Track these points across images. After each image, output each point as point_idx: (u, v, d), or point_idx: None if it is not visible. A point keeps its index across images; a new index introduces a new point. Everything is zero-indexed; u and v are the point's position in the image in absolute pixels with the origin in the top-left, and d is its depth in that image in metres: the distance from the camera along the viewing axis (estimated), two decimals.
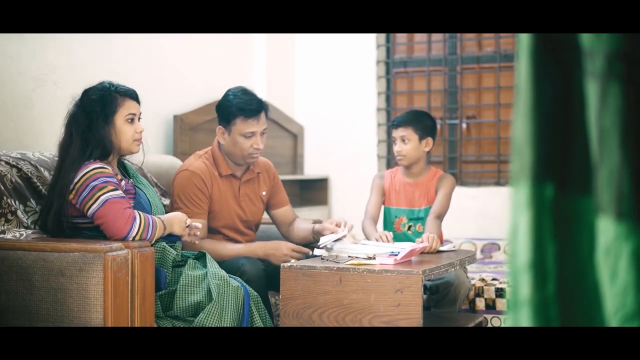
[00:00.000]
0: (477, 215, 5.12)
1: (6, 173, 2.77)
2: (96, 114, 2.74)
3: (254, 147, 3.29)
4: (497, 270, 4.25)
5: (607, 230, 0.87)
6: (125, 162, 3.01)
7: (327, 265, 2.80)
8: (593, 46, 0.88)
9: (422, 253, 3.12)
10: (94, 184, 2.65)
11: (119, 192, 2.68)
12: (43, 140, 3.55)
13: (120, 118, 2.78)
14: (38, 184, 2.87)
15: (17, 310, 2.45)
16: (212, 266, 2.88)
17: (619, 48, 0.86)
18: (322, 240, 3.14)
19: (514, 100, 0.96)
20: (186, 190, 3.26)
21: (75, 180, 2.66)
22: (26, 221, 2.75)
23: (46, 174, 2.93)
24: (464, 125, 5.43)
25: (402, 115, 3.59)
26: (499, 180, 5.25)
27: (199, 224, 2.95)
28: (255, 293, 2.92)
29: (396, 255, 2.87)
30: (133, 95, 2.85)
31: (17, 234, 2.62)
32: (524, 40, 0.94)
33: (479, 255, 4.67)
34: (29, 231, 2.67)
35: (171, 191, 3.36)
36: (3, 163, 2.79)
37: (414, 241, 3.39)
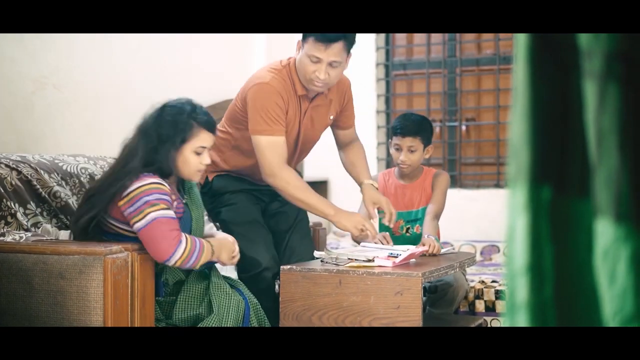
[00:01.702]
0: (476, 218, 5.13)
1: (6, 176, 2.77)
2: (167, 137, 2.66)
3: (317, 74, 3.02)
4: (497, 272, 4.25)
5: (605, 233, 0.87)
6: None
7: (326, 267, 2.80)
8: (591, 46, 0.87)
9: (422, 255, 3.12)
10: (147, 198, 2.57)
11: (170, 212, 2.60)
12: (43, 143, 3.55)
13: (189, 148, 2.70)
14: (38, 186, 2.87)
15: (17, 312, 2.45)
16: (215, 276, 2.82)
17: (618, 48, 0.85)
18: (364, 244, 3.21)
19: (512, 102, 0.96)
20: (266, 106, 3.04)
21: (130, 189, 2.58)
22: (26, 224, 2.75)
23: (46, 176, 2.93)
24: (464, 128, 5.43)
25: (408, 123, 3.51)
26: (499, 182, 5.26)
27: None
28: (256, 301, 2.87)
29: (395, 257, 2.87)
30: (210, 127, 2.75)
31: (17, 237, 2.62)
32: (521, 40, 0.93)
33: (478, 258, 4.67)
34: (29, 234, 2.67)
35: (243, 104, 3.15)
36: (3, 166, 2.79)
37: (412, 242, 3.39)
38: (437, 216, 3.54)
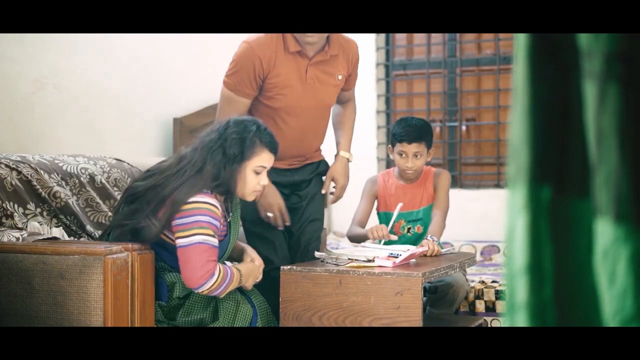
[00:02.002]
0: (476, 218, 5.13)
1: (6, 176, 2.77)
2: (233, 154, 2.67)
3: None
4: (497, 272, 4.25)
5: (605, 233, 0.86)
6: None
7: (326, 267, 2.80)
8: (591, 46, 0.87)
9: (422, 256, 3.12)
10: (199, 218, 2.59)
11: (214, 240, 2.61)
12: (43, 143, 3.55)
13: (250, 166, 2.72)
14: (38, 186, 2.87)
15: (18, 312, 2.45)
16: None
17: (618, 48, 0.85)
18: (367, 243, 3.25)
19: (512, 102, 0.96)
20: (241, 65, 3.04)
21: (189, 200, 2.60)
22: (22, 224, 2.74)
23: (46, 176, 2.93)
24: (464, 128, 5.43)
25: (411, 130, 3.48)
26: (499, 182, 5.26)
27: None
28: (266, 306, 2.88)
29: (396, 257, 2.87)
30: (272, 148, 2.78)
31: (13, 238, 2.62)
32: (521, 40, 0.93)
33: (478, 258, 4.67)
34: (25, 233, 2.67)
35: None
36: (3, 166, 2.79)
37: (414, 243, 3.39)
38: (443, 218, 3.54)
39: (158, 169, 2.75)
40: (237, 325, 2.71)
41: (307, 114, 3.20)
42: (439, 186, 3.60)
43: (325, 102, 3.26)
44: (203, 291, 2.59)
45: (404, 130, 3.49)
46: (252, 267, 2.82)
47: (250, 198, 2.82)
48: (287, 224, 3.20)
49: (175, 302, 2.71)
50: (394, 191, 3.62)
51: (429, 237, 3.36)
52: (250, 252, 2.93)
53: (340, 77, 3.25)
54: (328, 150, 3.58)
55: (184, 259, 2.56)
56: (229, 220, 2.84)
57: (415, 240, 3.50)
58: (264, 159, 2.74)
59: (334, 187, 3.37)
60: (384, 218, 3.61)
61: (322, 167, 3.42)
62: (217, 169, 2.65)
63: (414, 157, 3.48)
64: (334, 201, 3.36)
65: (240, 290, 2.82)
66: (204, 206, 2.60)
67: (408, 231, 3.59)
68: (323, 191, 3.34)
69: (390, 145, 3.62)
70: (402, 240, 3.49)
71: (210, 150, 2.67)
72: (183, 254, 2.56)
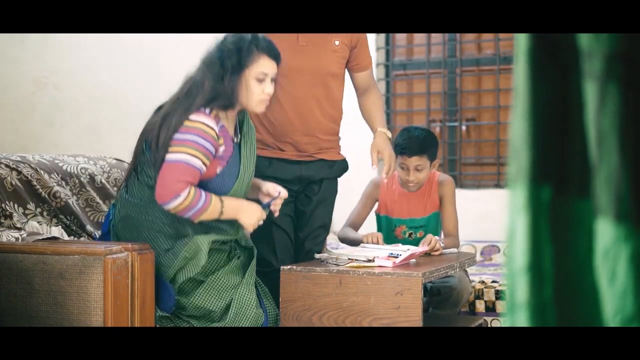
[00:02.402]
0: (476, 218, 5.12)
1: (6, 176, 2.77)
2: (230, 64, 2.65)
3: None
4: (497, 272, 4.25)
5: (605, 233, 0.87)
6: (246, 112, 2.88)
7: (326, 267, 2.80)
8: (591, 47, 0.87)
9: (422, 255, 3.12)
10: (187, 137, 2.59)
11: (196, 161, 2.59)
12: (43, 143, 3.55)
13: (250, 75, 2.68)
14: (38, 186, 2.87)
15: (18, 312, 2.45)
16: (250, 278, 2.80)
17: (618, 49, 0.85)
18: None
19: (512, 102, 0.96)
20: None
21: (187, 119, 2.61)
22: (21, 225, 2.74)
23: (46, 176, 2.93)
24: (464, 128, 5.43)
25: (413, 142, 3.38)
26: (499, 182, 5.25)
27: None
28: (277, 313, 2.85)
29: (396, 257, 2.87)
30: (272, 54, 2.72)
31: (12, 238, 2.62)
32: (521, 40, 0.94)
33: (478, 258, 4.67)
34: (24, 234, 2.67)
35: None
36: (3, 166, 2.79)
37: (415, 244, 3.38)
38: (453, 232, 3.49)
39: (169, 99, 2.75)
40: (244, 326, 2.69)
41: (304, 78, 3.10)
42: (446, 199, 3.51)
43: (327, 68, 3.15)
44: (169, 209, 2.58)
45: (405, 142, 3.40)
46: (247, 204, 2.74)
47: (258, 109, 2.76)
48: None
49: (187, 286, 2.68)
50: (397, 197, 3.56)
51: (430, 235, 3.34)
52: (266, 189, 2.88)
53: (337, 42, 3.14)
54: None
55: (161, 174, 2.58)
56: (237, 141, 2.80)
57: (417, 243, 3.49)
58: (264, 65, 2.69)
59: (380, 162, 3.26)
60: (384, 222, 3.56)
61: (337, 168, 3.31)
62: (216, 82, 2.64)
63: (415, 171, 3.40)
64: (387, 173, 3.19)
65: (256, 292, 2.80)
66: (194, 125, 2.60)
67: (409, 236, 3.56)
68: (373, 166, 3.21)
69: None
70: (404, 243, 3.47)
71: (209, 66, 2.67)
72: (162, 168, 2.58)
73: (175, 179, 2.56)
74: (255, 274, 2.85)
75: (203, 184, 2.68)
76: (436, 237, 3.27)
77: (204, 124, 2.61)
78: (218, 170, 2.71)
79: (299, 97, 3.08)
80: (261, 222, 2.77)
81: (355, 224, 3.57)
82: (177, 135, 2.58)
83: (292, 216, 3.22)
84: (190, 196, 2.57)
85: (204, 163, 2.62)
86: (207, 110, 2.63)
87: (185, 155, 2.57)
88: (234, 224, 2.79)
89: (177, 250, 2.66)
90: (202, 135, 2.60)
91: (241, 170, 2.77)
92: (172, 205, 2.56)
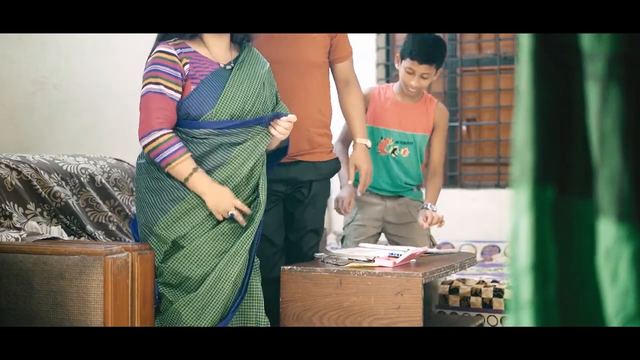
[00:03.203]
0: (477, 218, 5.12)
1: (6, 176, 2.77)
2: None
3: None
4: (497, 272, 4.25)
5: (607, 233, 0.87)
6: (249, 44, 2.82)
7: (327, 267, 2.80)
8: (593, 48, 0.88)
9: (424, 255, 3.12)
10: (148, 68, 2.64)
11: (160, 87, 2.59)
12: (43, 143, 3.55)
13: None
14: (38, 186, 2.87)
15: (17, 313, 2.45)
16: (240, 249, 2.64)
17: (620, 50, 0.86)
18: None
19: (515, 103, 0.96)
20: None
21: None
22: (20, 225, 2.74)
23: (46, 176, 2.93)
24: (464, 128, 5.43)
25: (425, 51, 3.32)
26: (499, 182, 5.25)
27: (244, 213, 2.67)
28: (259, 289, 2.72)
29: (396, 257, 2.87)
30: None
31: (12, 238, 2.61)
32: (524, 41, 0.94)
33: (479, 258, 4.67)
34: (23, 234, 2.67)
35: None
36: (3, 166, 2.79)
37: (397, 168, 3.36)
38: (439, 171, 3.49)
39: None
40: (219, 303, 2.58)
41: (288, 70, 3.07)
42: (440, 129, 3.51)
43: (308, 58, 3.11)
44: (143, 146, 2.59)
45: (417, 48, 3.34)
46: (222, 193, 2.62)
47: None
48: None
49: (165, 247, 2.60)
50: (389, 106, 3.50)
51: (428, 207, 3.34)
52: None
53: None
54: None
55: (140, 110, 2.62)
56: (228, 67, 2.71)
57: (400, 163, 3.47)
58: None
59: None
60: (372, 132, 3.44)
61: (327, 169, 3.22)
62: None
63: (421, 78, 3.37)
64: (362, 189, 3.18)
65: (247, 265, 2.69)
66: (153, 56, 2.65)
67: (393, 152, 3.50)
68: (349, 181, 3.20)
69: (398, 55, 3.46)
70: (384, 164, 3.44)
71: None
72: (139, 106, 2.62)
73: (148, 113, 2.57)
74: (251, 244, 2.69)
75: (184, 105, 2.62)
76: (434, 208, 3.27)
77: (160, 51, 2.63)
78: (192, 88, 2.64)
79: (286, 89, 3.02)
80: (229, 214, 2.63)
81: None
82: (143, 73, 2.65)
83: (280, 222, 3.13)
84: (162, 138, 2.56)
85: (168, 87, 2.59)
86: (170, 42, 2.66)
87: (148, 85, 2.61)
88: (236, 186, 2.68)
89: (166, 207, 2.60)
90: (159, 62, 2.61)
91: (223, 94, 2.65)
92: (145, 141, 2.56)
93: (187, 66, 2.63)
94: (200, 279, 2.58)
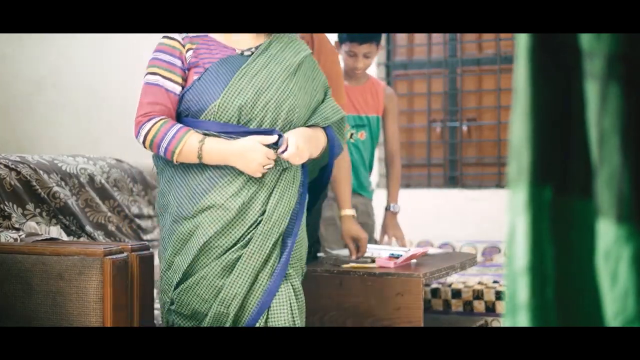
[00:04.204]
0: (477, 218, 5.12)
1: (5, 176, 2.76)
2: None
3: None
4: (498, 273, 4.24)
5: (607, 234, 0.87)
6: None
7: (327, 268, 2.79)
8: (593, 47, 0.87)
9: (425, 255, 3.11)
10: (151, 58, 2.37)
11: (155, 77, 2.31)
12: (42, 143, 3.55)
13: None
14: (37, 187, 2.86)
15: (16, 314, 2.44)
16: (242, 270, 2.30)
17: (619, 49, 0.85)
18: None
19: (513, 102, 0.96)
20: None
21: None
22: (19, 225, 2.74)
23: (45, 177, 2.92)
24: (465, 128, 5.42)
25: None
26: (500, 182, 5.25)
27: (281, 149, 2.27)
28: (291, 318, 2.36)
29: (397, 258, 2.86)
30: None
31: (11, 239, 2.61)
32: (522, 40, 0.93)
33: (479, 258, 4.66)
34: (22, 234, 2.66)
35: None
36: (2, 166, 2.79)
37: (357, 155, 3.42)
38: (397, 158, 3.56)
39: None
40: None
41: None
42: (390, 112, 3.57)
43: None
44: (143, 144, 2.29)
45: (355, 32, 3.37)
46: (248, 145, 2.23)
47: None
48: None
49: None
50: None
51: (391, 208, 3.40)
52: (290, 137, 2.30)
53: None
54: None
55: None
56: (247, 52, 2.36)
57: (358, 146, 3.47)
58: None
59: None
60: None
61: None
62: None
63: (364, 57, 3.41)
64: (362, 255, 3.00)
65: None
66: (158, 43, 2.38)
67: (351, 137, 3.53)
68: (353, 257, 2.99)
69: (337, 41, 3.44)
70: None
71: None
72: None
73: (139, 108, 2.30)
74: (269, 265, 2.32)
75: (185, 99, 2.30)
76: (394, 225, 3.30)
77: (164, 37, 2.37)
78: (194, 78, 2.31)
79: None
80: (270, 166, 2.26)
81: None
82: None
83: None
84: (155, 127, 2.25)
85: (166, 77, 2.31)
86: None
87: (146, 76, 2.34)
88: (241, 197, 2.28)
89: (174, 228, 2.34)
90: (159, 49, 2.35)
91: (231, 84, 2.27)
92: (140, 139, 2.28)
93: (190, 52, 2.33)
94: (206, 312, 2.35)
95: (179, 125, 2.27)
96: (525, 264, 0.92)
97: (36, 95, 3.56)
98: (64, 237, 2.89)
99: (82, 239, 2.96)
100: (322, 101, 2.46)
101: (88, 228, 3.01)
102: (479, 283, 3.80)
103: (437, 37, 5.45)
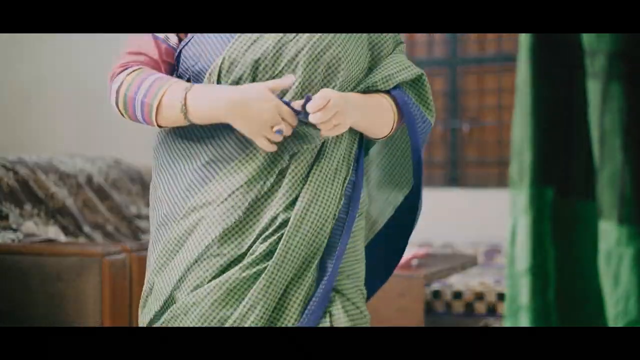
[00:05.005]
0: (478, 219, 5.11)
1: (3, 176, 2.76)
2: None
3: None
4: (499, 273, 4.24)
5: (608, 235, 0.86)
6: None
7: None
8: (594, 46, 0.87)
9: (425, 256, 3.10)
10: None
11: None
12: (40, 143, 3.54)
13: None
14: (35, 187, 2.86)
15: (14, 315, 2.44)
16: (256, 309, 1.65)
17: (621, 48, 0.85)
18: None
19: (515, 102, 0.96)
20: None
21: None
22: (16, 226, 2.73)
23: (43, 177, 2.92)
24: (466, 128, 5.42)
25: None
26: (501, 182, 5.24)
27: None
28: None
29: None
30: None
31: (9, 239, 2.61)
32: (524, 40, 0.93)
33: (480, 259, 4.66)
34: (21, 235, 2.66)
35: None
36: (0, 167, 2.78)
37: None
38: None
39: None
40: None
41: None
42: None
43: None
44: (116, 110, 1.68)
45: None
46: (252, 95, 1.51)
47: None
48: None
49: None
50: None
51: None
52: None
53: None
54: None
55: None
56: None
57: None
58: None
59: None
60: None
61: None
62: None
63: None
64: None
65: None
66: None
67: None
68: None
69: None
70: None
71: None
72: None
73: (117, 61, 1.71)
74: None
75: (183, 55, 1.67)
76: None
77: None
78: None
79: None
80: (282, 131, 1.49)
81: None
82: None
83: None
84: (129, 78, 1.62)
85: None
86: None
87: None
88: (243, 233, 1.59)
89: (159, 235, 1.63)
90: None
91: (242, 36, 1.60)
92: (112, 98, 1.68)
93: None
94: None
95: (160, 74, 1.61)
96: (527, 265, 0.92)
97: (35, 95, 3.55)
98: (62, 238, 2.89)
99: (80, 240, 2.96)
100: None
101: (86, 228, 3.00)
102: (480, 284, 3.79)
103: (438, 36, 5.45)
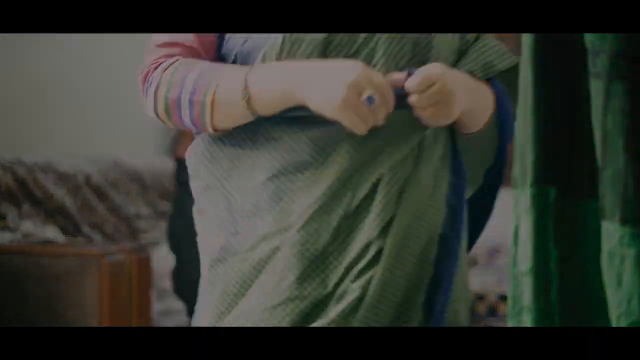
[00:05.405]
0: None
1: (1, 177, 2.76)
2: None
3: None
4: (500, 274, 4.25)
5: (611, 235, 0.86)
6: None
7: None
8: (596, 46, 0.87)
9: None
10: None
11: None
12: (39, 143, 3.54)
13: None
14: (33, 187, 2.86)
15: (11, 317, 2.44)
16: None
17: (623, 48, 0.85)
18: None
19: (517, 103, 0.96)
20: None
21: None
22: (14, 226, 2.74)
23: (41, 177, 2.92)
24: None
25: None
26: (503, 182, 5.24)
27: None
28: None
29: None
30: None
31: (7, 240, 2.61)
32: (526, 40, 0.94)
33: (482, 259, 4.66)
34: (19, 235, 2.66)
35: None
36: None
37: None
38: None
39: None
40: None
41: None
42: None
43: None
44: (156, 118, 1.39)
45: None
46: (339, 61, 1.25)
47: None
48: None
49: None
50: None
51: None
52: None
53: None
54: None
55: None
56: None
57: None
58: None
59: None
60: None
61: None
62: None
63: None
64: None
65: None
66: None
67: None
68: None
69: None
70: None
71: None
72: None
73: (146, 59, 1.48)
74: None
75: (230, 41, 1.41)
76: None
77: None
78: None
79: None
80: (374, 99, 1.17)
81: None
82: None
83: None
84: (165, 82, 1.34)
85: None
86: None
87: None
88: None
89: (215, 274, 1.35)
90: None
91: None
92: (149, 103, 1.39)
93: None
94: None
95: (207, 62, 1.33)
96: (529, 265, 0.93)
97: (34, 96, 3.56)
98: (61, 238, 2.89)
99: (79, 240, 2.96)
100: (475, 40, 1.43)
101: (85, 229, 3.00)
102: (481, 285, 3.79)
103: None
